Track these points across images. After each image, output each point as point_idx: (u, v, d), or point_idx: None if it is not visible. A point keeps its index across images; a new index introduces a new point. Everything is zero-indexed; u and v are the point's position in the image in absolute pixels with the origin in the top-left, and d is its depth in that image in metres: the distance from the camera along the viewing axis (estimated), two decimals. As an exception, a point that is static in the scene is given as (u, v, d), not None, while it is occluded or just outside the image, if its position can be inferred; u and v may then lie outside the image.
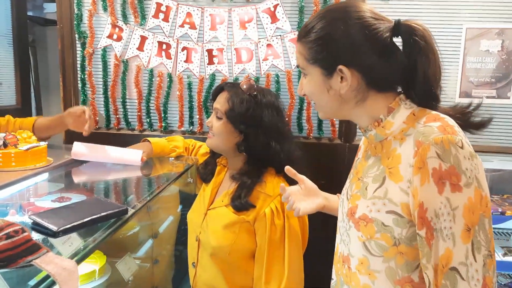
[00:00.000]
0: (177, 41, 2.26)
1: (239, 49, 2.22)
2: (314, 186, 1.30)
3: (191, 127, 2.32)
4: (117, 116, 2.37)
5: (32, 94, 3.33)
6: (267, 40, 2.19)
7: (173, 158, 1.86)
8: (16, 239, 0.86)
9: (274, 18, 2.17)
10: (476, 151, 0.86)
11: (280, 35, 2.19)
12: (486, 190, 0.84)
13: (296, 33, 2.16)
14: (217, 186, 1.59)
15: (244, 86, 1.48)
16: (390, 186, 0.91)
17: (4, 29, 2.89)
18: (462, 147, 0.82)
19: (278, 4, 2.16)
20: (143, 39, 2.28)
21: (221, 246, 1.45)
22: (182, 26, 2.25)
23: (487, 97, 2.16)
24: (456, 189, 0.80)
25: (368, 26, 0.91)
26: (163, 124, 2.32)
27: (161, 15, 2.25)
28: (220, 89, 1.56)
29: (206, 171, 1.66)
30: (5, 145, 1.52)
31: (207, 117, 2.29)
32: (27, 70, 3.18)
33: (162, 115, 2.32)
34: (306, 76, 1.01)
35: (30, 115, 3.10)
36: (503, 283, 1.90)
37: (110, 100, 2.35)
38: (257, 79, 2.22)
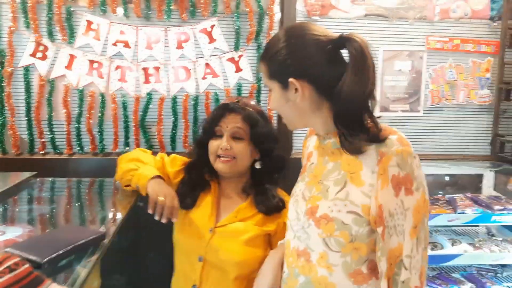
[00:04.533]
0: (110, 59, 2.18)
1: (176, 67, 2.22)
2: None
3: (126, 148, 2.23)
4: (42, 139, 2.20)
5: None
6: (205, 59, 2.23)
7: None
8: (19, 272, 0.79)
9: (211, 38, 2.22)
10: None
11: (218, 55, 2.23)
12: (427, 194, 0.98)
13: (234, 53, 2.24)
14: (216, 204, 1.53)
15: (252, 104, 1.50)
16: (351, 189, 1.00)
17: None
18: (415, 158, 0.96)
19: (214, 25, 2.21)
20: (72, 57, 2.16)
21: (246, 261, 1.41)
22: (115, 44, 2.18)
23: (402, 111, 2.44)
24: (409, 193, 0.94)
25: (312, 40, 1.01)
26: (96, 146, 2.22)
27: (92, 33, 2.16)
28: (223, 111, 1.50)
29: (193, 195, 1.54)
30: None
31: (145, 137, 2.24)
32: None
33: (97, 136, 2.22)
34: (271, 91, 1.10)
35: None
36: (431, 275, 2.13)
37: (33, 122, 2.17)
38: (196, 98, 2.23)
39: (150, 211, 1.36)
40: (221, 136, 1.47)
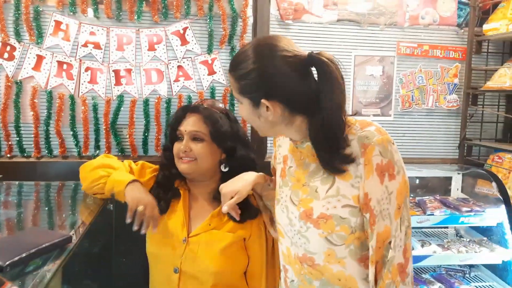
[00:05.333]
0: (80, 61, 2.14)
1: (148, 70, 2.20)
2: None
3: (97, 151, 2.19)
4: (9, 142, 2.13)
5: None
6: (178, 61, 2.21)
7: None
8: (-24, 276, 0.76)
9: (184, 41, 2.21)
10: None
11: (190, 57, 2.22)
12: (407, 175, 1.04)
13: (207, 55, 2.23)
14: (187, 211, 1.49)
15: (215, 105, 1.49)
16: (341, 184, 1.04)
17: None
18: (393, 144, 1.02)
19: (187, 27, 2.20)
20: (40, 58, 2.11)
21: (222, 270, 1.40)
22: (85, 45, 2.14)
23: (373, 115, 2.47)
24: (392, 178, 1.00)
25: (282, 60, 1.02)
26: (65, 149, 2.17)
27: (61, 34, 2.12)
28: (183, 113, 1.50)
29: (167, 199, 1.50)
30: None
31: (116, 140, 2.20)
32: None
33: (67, 139, 2.17)
34: (240, 103, 1.11)
35: None
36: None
37: (0, 125, 2.11)
38: (168, 100, 2.21)
39: (128, 220, 1.31)
40: (182, 139, 1.48)
